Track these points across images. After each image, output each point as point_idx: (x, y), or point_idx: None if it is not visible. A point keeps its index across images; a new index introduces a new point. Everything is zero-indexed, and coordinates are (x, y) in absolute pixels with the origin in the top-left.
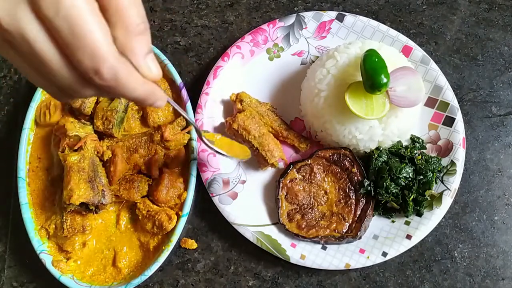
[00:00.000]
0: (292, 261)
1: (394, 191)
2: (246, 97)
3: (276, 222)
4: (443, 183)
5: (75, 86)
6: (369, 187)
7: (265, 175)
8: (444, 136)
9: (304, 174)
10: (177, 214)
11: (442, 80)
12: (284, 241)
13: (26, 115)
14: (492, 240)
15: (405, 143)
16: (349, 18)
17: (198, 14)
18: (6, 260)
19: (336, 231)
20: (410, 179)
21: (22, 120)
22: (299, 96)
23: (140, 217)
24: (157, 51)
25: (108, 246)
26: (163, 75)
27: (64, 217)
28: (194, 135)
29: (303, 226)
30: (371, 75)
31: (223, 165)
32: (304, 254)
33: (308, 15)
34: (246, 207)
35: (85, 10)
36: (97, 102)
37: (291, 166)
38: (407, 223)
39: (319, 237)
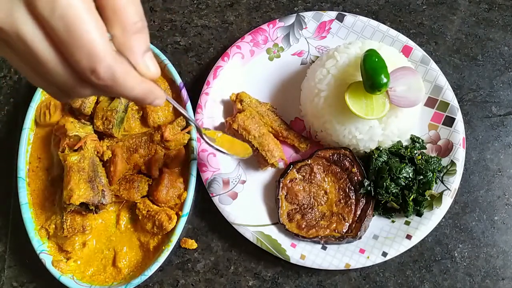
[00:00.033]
0: (292, 261)
1: (394, 191)
2: (246, 97)
3: (276, 222)
4: (443, 183)
5: (72, 85)
6: (369, 187)
7: (265, 175)
8: (444, 136)
9: (304, 174)
10: (177, 214)
11: (442, 80)
12: (284, 241)
13: (26, 115)
14: (492, 240)
15: (405, 143)
16: (349, 18)
17: (198, 14)
18: (6, 260)
19: (336, 231)
20: (410, 179)
21: (22, 120)
22: (299, 96)
23: (140, 217)
24: (157, 51)
25: (108, 246)
26: (163, 75)
27: (64, 217)
28: (194, 135)
29: (303, 226)
30: (371, 75)
31: (223, 165)
32: (304, 254)
33: (308, 15)
34: (246, 207)
35: (82, 9)
36: (97, 102)
37: (291, 166)
38: (407, 223)
39: (319, 237)
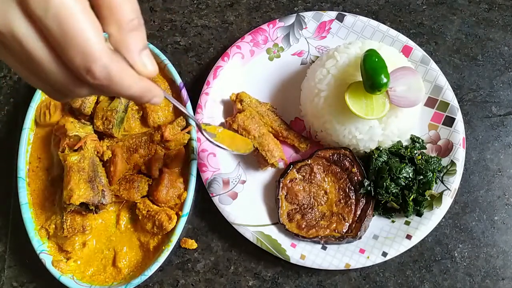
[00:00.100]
0: (292, 261)
1: (394, 191)
2: (246, 97)
3: (276, 222)
4: (443, 183)
5: (68, 85)
6: (369, 187)
7: (265, 175)
8: (444, 136)
9: (304, 174)
10: (177, 214)
11: (442, 80)
12: (284, 241)
13: (26, 115)
14: (492, 240)
15: (405, 143)
16: (349, 18)
17: (198, 14)
18: (6, 260)
19: (336, 231)
20: (410, 179)
21: (22, 120)
22: (299, 96)
23: (140, 217)
24: (157, 51)
25: (108, 246)
26: (163, 75)
27: (64, 217)
28: (194, 135)
29: (303, 226)
30: (371, 75)
31: (223, 165)
32: (304, 254)
33: (308, 15)
34: (246, 207)
35: (75, 8)
36: (97, 102)
37: (291, 166)
38: (407, 223)
39: (319, 237)
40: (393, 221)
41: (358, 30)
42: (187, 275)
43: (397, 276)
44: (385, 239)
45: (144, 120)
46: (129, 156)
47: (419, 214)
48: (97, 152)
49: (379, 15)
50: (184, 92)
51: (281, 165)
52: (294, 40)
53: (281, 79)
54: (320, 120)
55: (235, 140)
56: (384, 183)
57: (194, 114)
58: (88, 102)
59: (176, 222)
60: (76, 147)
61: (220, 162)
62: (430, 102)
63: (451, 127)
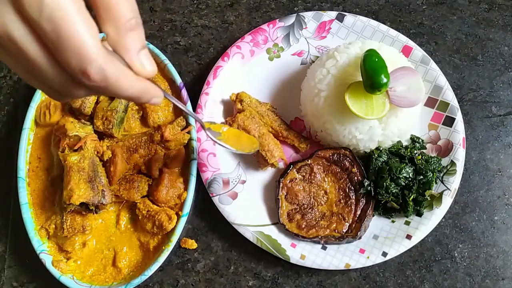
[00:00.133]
0: (292, 261)
1: (394, 191)
2: (246, 97)
3: (276, 222)
4: (443, 183)
5: (66, 86)
6: (369, 187)
7: (265, 175)
8: (444, 136)
9: (304, 174)
10: (177, 214)
11: (442, 80)
12: (284, 241)
13: (26, 115)
14: (492, 240)
15: (405, 143)
16: (349, 18)
17: (198, 14)
18: (6, 260)
19: (336, 231)
20: (410, 179)
21: (22, 120)
22: (299, 96)
23: (140, 217)
24: (157, 51)
25: (108, 246)
26: (163, 75)
27: (64, 217)
28: (194, 135)
29: (303, 226)
30: (371, 75)
31: (223, 165)
32: (304, 254)
33: (308, 15)
34: (246, 207)
35: (70, 10)
36: (97, 102)
37: (291, 166)
38: (407, 223)
39: (319, 237)
40: (393, 221)
41: (358, 30)
42: (187, 275)
43: (397, 276)
44: (385, 239)
45: (144, 120)
46: (129, 156)
47: (419, 214)
48: (97, 152)
49: (379, 15)
50: (184, 92)
51: (281, 165)
52: (294, 40)
53: (281, 79)
54: (320, 120)
55: (241, 139)
56: (384, 183)
57: None
58: (88, 102)
59: (176, 222)
60: (76, 147)
61: (220, 162)
62: (430, 102)
63: (451, 127)
